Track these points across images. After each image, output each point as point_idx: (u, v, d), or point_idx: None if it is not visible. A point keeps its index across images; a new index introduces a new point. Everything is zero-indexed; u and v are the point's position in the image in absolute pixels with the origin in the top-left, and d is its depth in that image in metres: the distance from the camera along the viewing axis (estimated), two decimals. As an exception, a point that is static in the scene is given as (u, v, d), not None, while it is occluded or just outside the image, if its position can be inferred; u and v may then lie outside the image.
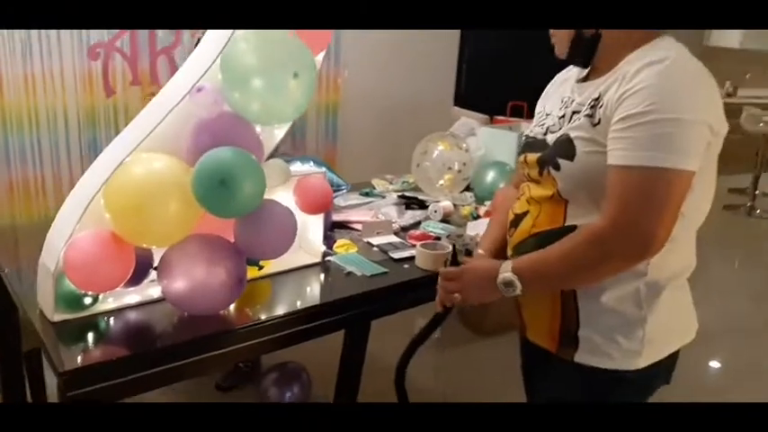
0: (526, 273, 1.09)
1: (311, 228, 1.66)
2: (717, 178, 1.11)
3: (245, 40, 1.26)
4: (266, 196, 1.32)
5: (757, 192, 6.02)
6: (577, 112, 1.11)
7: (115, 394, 1.19)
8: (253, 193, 1.23)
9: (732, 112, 6.41)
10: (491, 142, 2.54)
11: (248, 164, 1.22)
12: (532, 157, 1.18)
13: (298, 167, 1.80)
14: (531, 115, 3.58)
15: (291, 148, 3.45)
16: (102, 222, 1.23)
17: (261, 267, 1.52)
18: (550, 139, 1.14)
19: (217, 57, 1.27)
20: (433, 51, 3.91)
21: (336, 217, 2.00)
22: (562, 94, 1.21)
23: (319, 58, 1.48)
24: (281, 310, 1.44)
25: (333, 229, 1.93)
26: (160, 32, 2.94)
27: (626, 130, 0.99)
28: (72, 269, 1.20)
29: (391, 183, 2.56)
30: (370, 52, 3.64)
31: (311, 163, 2.02)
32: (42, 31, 2.58)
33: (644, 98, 0.98)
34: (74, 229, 1.22)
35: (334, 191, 2.06)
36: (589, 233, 1.04)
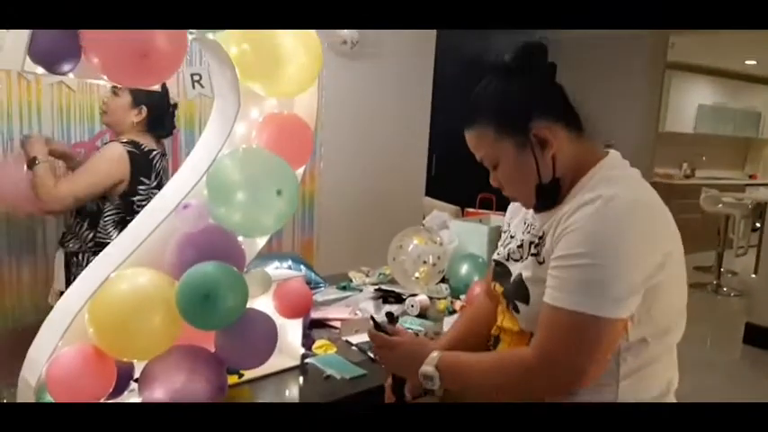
0: (448, 373, 1.13)
1: (290, 331, 1.69)
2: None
3: (230, 158, 1.34)
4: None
5: (722, 269, 6.21)
6: (532, 243, 1.16)
7: None
8: (235, 305, 1.27)
9: (691, 192, 6.75)
10: (463, 235, 2.63)
11: (231, 277, 1.27)
12: (499, 288, 1.24)
13: (276, 270, 1.85)
14: (498, 208, 3.69)
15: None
16: (85, 337, 1.25)
17: (241, 375, 1.53)
18: (512, 269, 1.20)
19: (203, 175, 1.34)
20: (405, 142, 4.08)
21: (315, 314, 2.03)
22: (525, 216, 1.27)
23: (300, 171, 1.57)
24: (260, 418, 1.44)
25: (311, 328, 1.95)
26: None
27: (558, 269, 1.03)
28: (54, 385, 1.21)
29: (368, 275, 2.61)
30: (343, 144, 3.79)
31: (289, 261, 2.07)
32: (23, 128, 2.65)
33: (576, 241, 1.01)
34: (57, 345, 1.24)
35: (312, 288, 2.10)
36: (518, 359, 1.08)
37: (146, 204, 1.73)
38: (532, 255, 1.13)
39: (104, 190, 2.16)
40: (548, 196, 1.13)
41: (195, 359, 1.30)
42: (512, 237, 1.27)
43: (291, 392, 1.61)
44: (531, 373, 1.05)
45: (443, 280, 2.49)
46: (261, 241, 1.54)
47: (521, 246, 1.19)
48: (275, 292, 1.60)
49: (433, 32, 4.08)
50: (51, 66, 1.06)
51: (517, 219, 1.29)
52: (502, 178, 1.16)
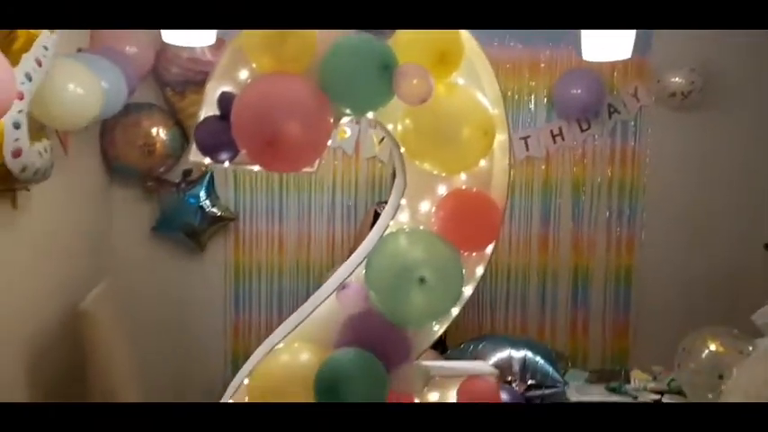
0: None
1: None
2: None
3: (388, 241, 1.27)
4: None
5: None
6: None
7: None
8: (364, 398, 1.18)
9: None
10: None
11: (364, 370, 1.19)
12: None
13: (469, 364, 1.66)
14: None
15: (571, 311, 3.19)
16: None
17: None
18: None
19: (362, 259, 1.30)
20: (755, 206, 3.19)
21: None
22: None
23: (489, 249, 1.38)
24: None
25: None
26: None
27: None
28: None
29: (656, 378, 2.10)
30: (675, 210, 3.18)
31: (525, 351, 1.83)
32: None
33: None
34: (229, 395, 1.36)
35: (546, 386, 1.80)
36: None
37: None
38: None
39: None
40: None
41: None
42: None
43: None
44: None
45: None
46: (438, 329, 1.39)
47: None
48: (460, 387, 1.42)
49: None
50: (212, 155, 1.20)
51: None
52: None
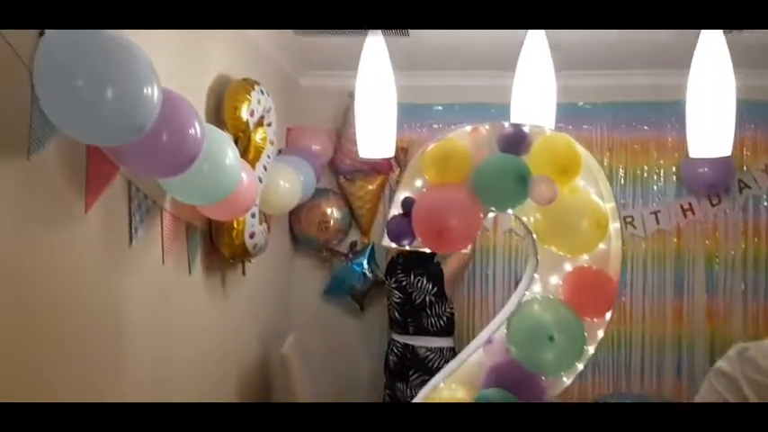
0: None
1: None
2: None
3: (525, 306, 1.66)
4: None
5: None
6: None
7: None
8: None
9: None
10: None
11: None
12: None
13: None
14: None
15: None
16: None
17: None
18: None
19: (504, 320, 1.70)
20: None
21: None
22: None
23: (607, 315, 1.71)
24: None
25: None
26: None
27: None
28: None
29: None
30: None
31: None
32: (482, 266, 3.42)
33: None
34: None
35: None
36: None
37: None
38: None
39: None
40: None
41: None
42: None
43: None
44: None
45: None
46: (567, 380, 1.73)
47: None
48: None
49: None
50: (397, 242, 1.68)
51: None
52: None
